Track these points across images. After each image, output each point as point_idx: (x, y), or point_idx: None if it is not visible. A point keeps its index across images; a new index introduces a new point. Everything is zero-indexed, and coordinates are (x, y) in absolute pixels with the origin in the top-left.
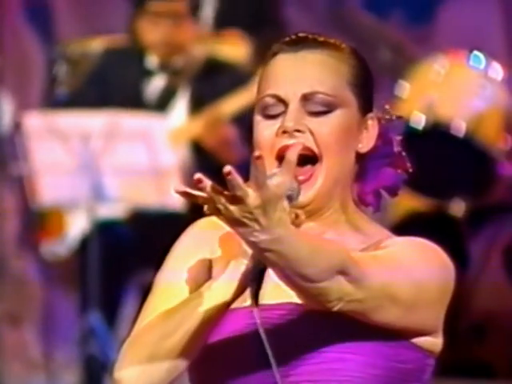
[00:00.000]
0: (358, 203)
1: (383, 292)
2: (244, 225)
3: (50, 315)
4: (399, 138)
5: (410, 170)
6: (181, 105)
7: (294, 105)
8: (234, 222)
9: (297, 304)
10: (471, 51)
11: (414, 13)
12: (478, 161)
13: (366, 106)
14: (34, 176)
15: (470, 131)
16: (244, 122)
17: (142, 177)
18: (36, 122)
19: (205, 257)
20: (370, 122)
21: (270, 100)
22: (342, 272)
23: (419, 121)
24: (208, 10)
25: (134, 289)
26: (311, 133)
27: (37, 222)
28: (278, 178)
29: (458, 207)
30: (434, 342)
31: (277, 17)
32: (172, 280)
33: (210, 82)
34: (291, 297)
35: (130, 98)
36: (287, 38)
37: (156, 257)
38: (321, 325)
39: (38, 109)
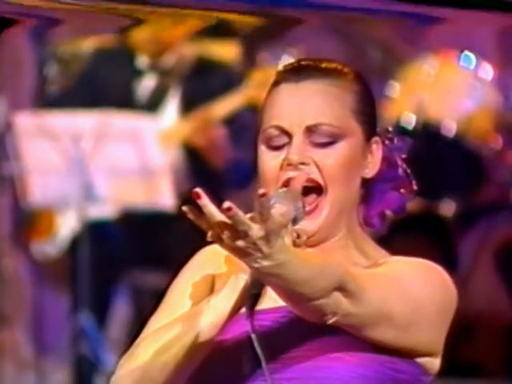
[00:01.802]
0: (362, 225)
1: (379, 309)
2: (247, 254)
3: (40, 315)
4: (403, 156)
5: (416, 189)
6: (172, 105)
7: (299, 137)
8: (236, 252)
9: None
10: (461, 51)
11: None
12: (468, 161)
13: (370, 131)
14: (25, 176)
15: (460, 131)
16: (234, 124)
17: (133, 177)
18: (27, 121)
19: (208, 274)
20: (374, 146)
21: (273, 131)
22: (340, 288)
23: (409, 121)
24: None
25: (124, 289)
26: (316, 164)
27: (27, 222)
28: (282, 208)
29: (448, 207)
30: (432, 362)
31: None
32: (176, 304)
33: (201, 81)
34: None
35: (121, 99)
36: (289, 66)
37: (146, 257)
38: (314, 327)
39: (29, 109)
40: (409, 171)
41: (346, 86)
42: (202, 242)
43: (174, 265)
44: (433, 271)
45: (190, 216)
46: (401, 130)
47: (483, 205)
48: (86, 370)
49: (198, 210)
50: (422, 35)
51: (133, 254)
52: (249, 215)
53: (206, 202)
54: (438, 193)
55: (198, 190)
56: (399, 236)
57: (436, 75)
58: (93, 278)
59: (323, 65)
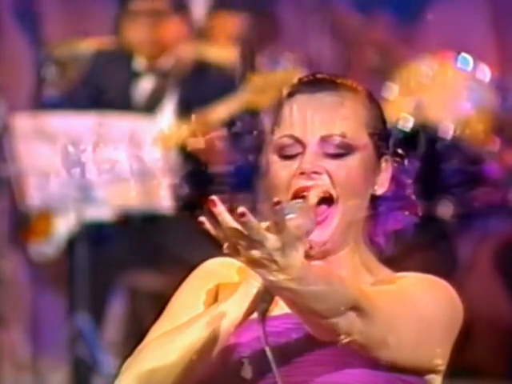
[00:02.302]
0: (367, 242)
1: (390, 330)
2: (263, 266)
3: (37, 316)
4: (410, 181)
5: (420, 214)
6: (170, 107)
7: (312, 147)
8: (253, 263)
9: None
10: (459, 53)
11: (401, 14)
12: (466, 162)
13: (381, 148)
14: (23, 177)
15: (457, 133)
16: (232, 127)
17: (130, 179)
18: (25, 123)
19: (212, 285)
20: (384, 165)
21: (287, 141)
22: (354, 308)
23: (407, 123)
24: (200, 7)
25: (121, 291)
26: (328, 175)
27: (25, 223)
28: (297, 220)
29: (446, 209)
30: (435, 379)
31: (270, 11)
32: (179, 313)
33: (199, 83)
34: None
35: (119, 100)
36: (304, 78)
37: (144, 259)
38: None
39: (27, 110)
40: (414, 196)
41: (360, 100)
42: (199, 245)
43: (171, 267)
44: (438, 288)
45: (207, 227)
46: (398, 132)
47: (481, 206)
48: (83, 371)
49: (212, 217)
50: (419, 36)
51: (130, 256)
52: (264, 225)
53: (221, 210)
54: (436, 195)
55: (214, 197)
56: (397, 239)
57: (433, 77)
58: (90, 280)
59: (338, 79)
